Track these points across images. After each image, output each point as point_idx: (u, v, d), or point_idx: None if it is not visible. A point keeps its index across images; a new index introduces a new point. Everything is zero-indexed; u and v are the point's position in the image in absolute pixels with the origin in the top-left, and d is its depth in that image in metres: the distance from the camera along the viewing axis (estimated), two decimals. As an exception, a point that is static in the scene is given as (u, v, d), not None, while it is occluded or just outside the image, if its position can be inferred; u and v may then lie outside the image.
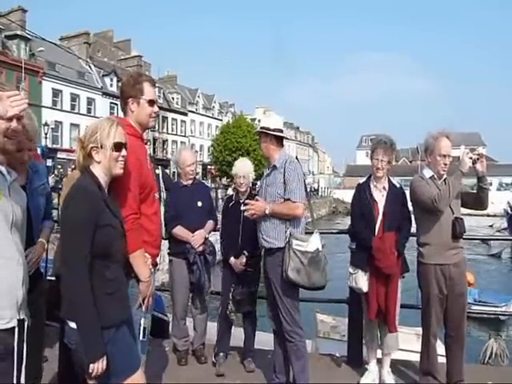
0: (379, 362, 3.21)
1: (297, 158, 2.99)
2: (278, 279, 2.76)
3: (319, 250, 2.73)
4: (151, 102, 2.16)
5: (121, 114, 2.29)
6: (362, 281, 3.04)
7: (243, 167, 3.47)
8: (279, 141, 2.91)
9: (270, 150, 2.89)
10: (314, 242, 2.73)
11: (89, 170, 1.81)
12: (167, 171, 4.55)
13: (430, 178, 2.97)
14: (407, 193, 3.07)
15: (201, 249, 3.35)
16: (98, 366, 1.60)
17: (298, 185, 2.75)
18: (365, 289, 3.04)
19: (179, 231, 3.38)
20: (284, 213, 2.74)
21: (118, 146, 1.81)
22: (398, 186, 3.12)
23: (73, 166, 2.40)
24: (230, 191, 3.76)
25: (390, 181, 3.11)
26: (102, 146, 1.79)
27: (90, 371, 1.60)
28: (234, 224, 3.36)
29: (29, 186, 2.17)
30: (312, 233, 2.82)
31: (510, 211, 27.10)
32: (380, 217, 3.00)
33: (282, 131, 2.91)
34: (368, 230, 3.01)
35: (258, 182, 3.25)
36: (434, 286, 2.90)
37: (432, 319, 2.94)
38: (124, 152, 1.84)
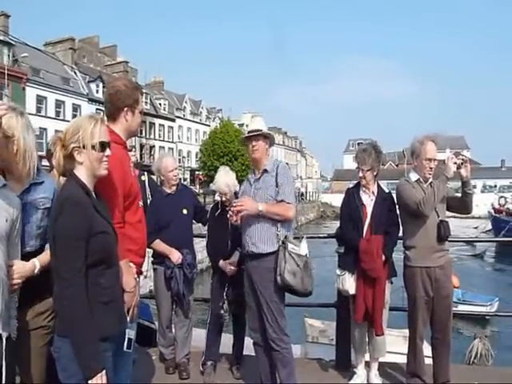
0: (367, 365, 3.23)
1: (287, 163, 3.03)
2: (266, 285, 2.71)
3: (307, 255, 2.74)
4: (141, 112, 2.20)
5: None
6: (348, 283, 3.07)
7: (227, 181, 3.35)
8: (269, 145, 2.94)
9: (264, 154, 2.88)
10: (304, 247, 2.74)
11: (73, 174, 1.71)
12: (154, 178, 4.52)
13: (416, 181, 3.02)
14: (395, 196, 3.13)
15: (180, 261, 3.30)
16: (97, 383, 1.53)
17: (290, 188, 2.76)
18: (351, 291, 3.07)
19: (157, 246, 3.33)
20: (277, 213, 2.69)
21: (102, 146, 1.71)
22: (387, 191, 3.16)
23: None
24: (217, 197, 3.67)
25: (379, 186, 3.15)
26: (84, 147, 1.68)
27: None
28: (222, 232, 3.33)
29: (22, 196, 1.88)
30: (298, 237, 2.83)
31: (493, 213, 27.63)
32: (368, 220, 3.04)
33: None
34: (355, 232, 3.05)
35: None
36: (420, 288, 2.94)
37: (418, 321, 2.97)
38: (108, 152, 1.74)
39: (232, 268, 3.26)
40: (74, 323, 1.55)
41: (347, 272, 3.09)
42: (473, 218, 34.67)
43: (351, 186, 3.28)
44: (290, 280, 2.61)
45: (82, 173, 1.72)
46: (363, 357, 3.24)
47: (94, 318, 1.57)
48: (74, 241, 1.56)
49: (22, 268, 1.76)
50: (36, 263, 1.83)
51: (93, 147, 1.69)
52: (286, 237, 2.71)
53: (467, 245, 21.23)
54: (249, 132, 2.93)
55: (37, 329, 1.87)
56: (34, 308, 1.87)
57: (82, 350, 1.54)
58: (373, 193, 3.12)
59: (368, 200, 3.11)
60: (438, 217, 2.93)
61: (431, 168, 2.96)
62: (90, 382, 1.52)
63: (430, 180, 3.01)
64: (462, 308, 8.31)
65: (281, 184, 2.74)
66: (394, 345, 3.88)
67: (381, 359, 3.24)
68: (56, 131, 31.06)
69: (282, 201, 2.72)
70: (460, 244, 19.61)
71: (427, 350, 3.10)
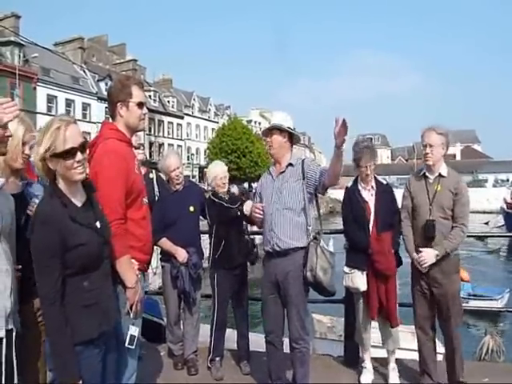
0: (374, 359, 3.23)
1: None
2: (294, 283, 2.63)
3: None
4: (140, 105, 2.14)
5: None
6: (359, 280, 3.02)
7: (222, 168, 3.48)
8: (291, 140, 2.85)
9: (284, 149, 2.81)
10: (331, 245, 2.72)
11: (51, 182, 1.68)
12: (162, 175, 4.55)
13: (423, 175, 2.96)
14: (399, 191, 3.10)
15: (185, 261, 3.30)
16: None
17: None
18: (363, 288, 3.02)
19: (164, 244, 3.34)
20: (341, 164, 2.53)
21: (69, 154, 1.61)
22: (384, 182, 3.15)
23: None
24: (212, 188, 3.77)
25: (376, 179, 3.13)
26: (51, 156, 1.60)
27: None
28: (221, 224, 3.35)
29: (26, 189, 2.01)
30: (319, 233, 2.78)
31: (506, 208, 27.17)
32: (372, 217, 3.02)
33: (293, 130, 2.85)
34: (362, 233, 3.01)
35: (254, 184, 3.21)
36: (416, 283, 2.96)
37: (417, 315, 2.98)
38: (79, 157, 1.63)
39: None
40: (48, 333, 1.58)
41: (357, 270, 3.03)
42: (484, 212, 34.19)
43: (349, 184, 3.22)
44: (322, 276, 2.55)
45: (59, 179, 1.68)
46: (369, 351, 3.23)
47: (73, 321, 1.58)
48: (44, 260, 1.56)
49: None
50: None
51: (59, 156, 1.60)
52: (318, 232, 2.67)
53: (480, 241, 20.90)
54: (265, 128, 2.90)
55: (38, 323, 1.90)
56: (34, 303, 1.91)
57: (55, 360, 1.57)
58: (372, 187, 3.10)
59: (369, 196, 3.09)
60: (430, 215, 2.84)
61: (426, 153, 2.88)
62: None
63: (438, 172, 2.89)
64: (473, 303, 8.21)
65: (313, 171, 2.69)
66: (407, 341, 3.85)
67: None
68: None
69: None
70: (471, 240, 19.35)
71: (441, 346, 3.09)
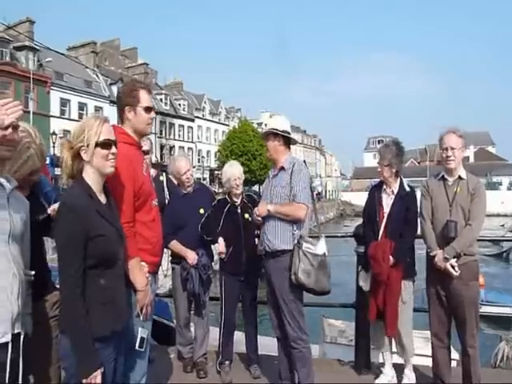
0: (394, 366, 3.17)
1: (304, 161, 2.99)
2: (283, 284, 2.72)
3: (325, 254, 2.73)
4: (148, 109, 2.16)
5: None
6: (362, 279, 3.16)
7: (237, 168, 3.46)
8: (287, 143, 2.90)
9: (279, 152, 2.87)
10: (321, 246, 2.73)
11: (80, 177, 1.78)
12: (171, 177, 4.58)
13: (441, 178, 2.91)
14: (418, 194, 3.06)
15: (195, 263, 3.30)
16: (91, 382, 1.57)
17: (302, 188, 2.73)
18: (364, 287, 3.13)
19: (174, 246, 3.35)
20: (286, 213, 2.71)
21: (106, 144, 1.77)
22: (407, 188, 3.07)
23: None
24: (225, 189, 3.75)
25: (401, 183, 3.07)
26: (89, 145, 1.75)
27: None
28: (232, 228, 3.33)
29: (40, 189, 2.04)
30: (318, 237, 2.82)
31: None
32: (384, 221, 3.01)
33: (289, 133, 2.90)
34: (371, 234, 3.07)
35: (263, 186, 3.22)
36: (432, 287, 2.92)
37: (432, 318, 2.94)
38: (114, 149, 1.80)
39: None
40: (66, 323, 1.63)
41: (364, 269, 3.16)
42: (498, 215, 33.71)
43: (374, 183, 3.26)
44: (304, 279, 2.62)
45: (89, 173, 1.78)
46: (390, 356, 3.19)
47: (90, 318, 1.63)
48: (68, 246, 1.64)
49: None
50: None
51: (97, 145, 1.76)
52: (301, 236, 2.71)
53: (493, 244, 20.59)
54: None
55: (50, 319, 1.92)
56: (45, 300, 1.93)
57: (77, 349, 1.60)
58: (392, 192, 3.06)
59: (387, 200, 3.07)
60: (450, 216, 2.79)
61: (448, 156, 2.83)
62: (83, 381, 1.57)
63: (458, 174, 2.85)
64: (485, 309, 8.04)
65: (294, 182, 2.73)
66: (418, 347, 3.77)
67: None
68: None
69: (293, 200, 2.71)
70: (485, 243, 19.03)
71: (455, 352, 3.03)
